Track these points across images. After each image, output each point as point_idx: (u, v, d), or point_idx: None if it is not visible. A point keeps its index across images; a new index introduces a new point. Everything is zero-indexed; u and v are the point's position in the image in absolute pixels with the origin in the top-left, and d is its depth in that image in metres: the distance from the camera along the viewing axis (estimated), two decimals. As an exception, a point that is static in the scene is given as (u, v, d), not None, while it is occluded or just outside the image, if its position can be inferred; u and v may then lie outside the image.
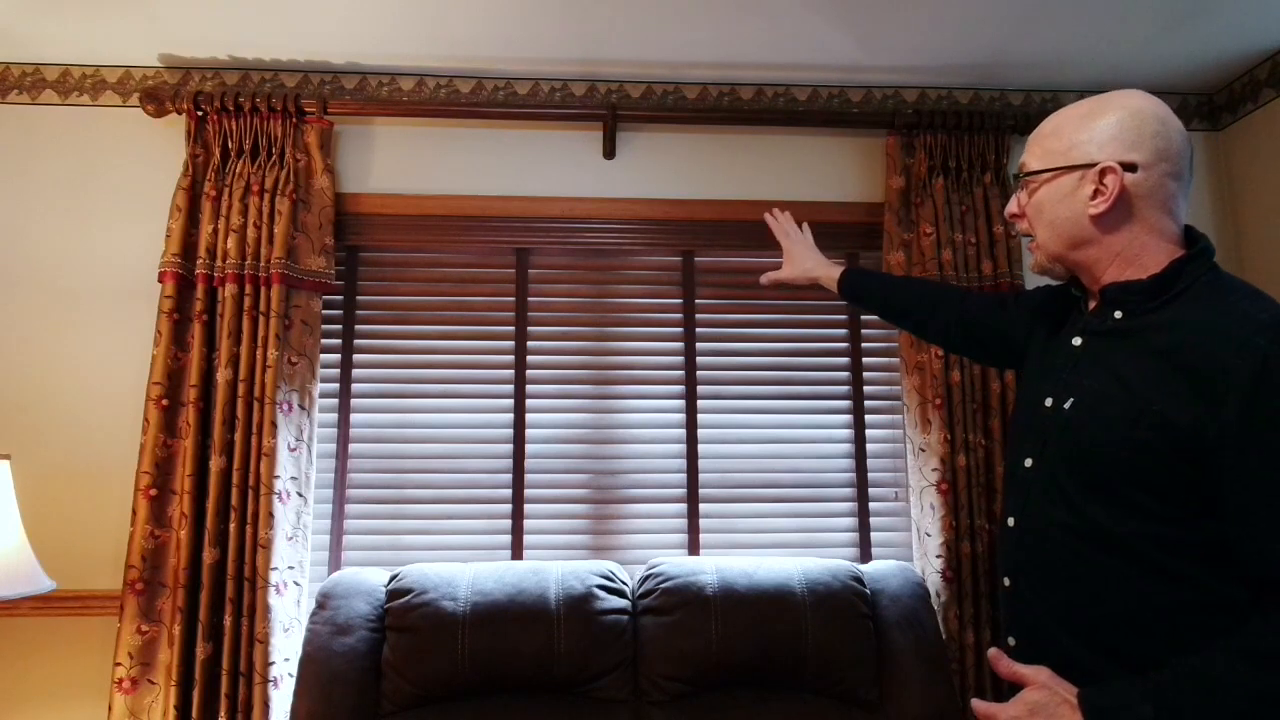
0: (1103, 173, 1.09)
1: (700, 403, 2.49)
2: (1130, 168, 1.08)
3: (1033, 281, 2.50)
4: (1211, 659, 0.95)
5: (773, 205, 2.51)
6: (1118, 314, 1.11)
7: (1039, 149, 1.17)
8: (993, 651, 1.10)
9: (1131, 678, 0.99)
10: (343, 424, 2.40)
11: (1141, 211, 1.09)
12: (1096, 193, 1.10)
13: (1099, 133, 1.11)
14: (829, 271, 1.72)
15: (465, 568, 2.13)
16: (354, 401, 2.42)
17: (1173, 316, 1.06)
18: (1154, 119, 1.10)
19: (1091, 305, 1.17)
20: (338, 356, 2.42)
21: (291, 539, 2.20)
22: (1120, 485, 1.03)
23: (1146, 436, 1.01)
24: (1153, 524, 1.01)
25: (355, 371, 2.43)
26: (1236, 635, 0.96)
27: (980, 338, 1.48)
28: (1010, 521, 1.18)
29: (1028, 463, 1.16)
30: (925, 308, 1.56)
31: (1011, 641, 1.16)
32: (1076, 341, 1.17)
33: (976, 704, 1.06)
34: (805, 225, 1.87)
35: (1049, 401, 1.16)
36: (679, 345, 2.51)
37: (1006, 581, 1.18)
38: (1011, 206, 1.22)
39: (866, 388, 2.52)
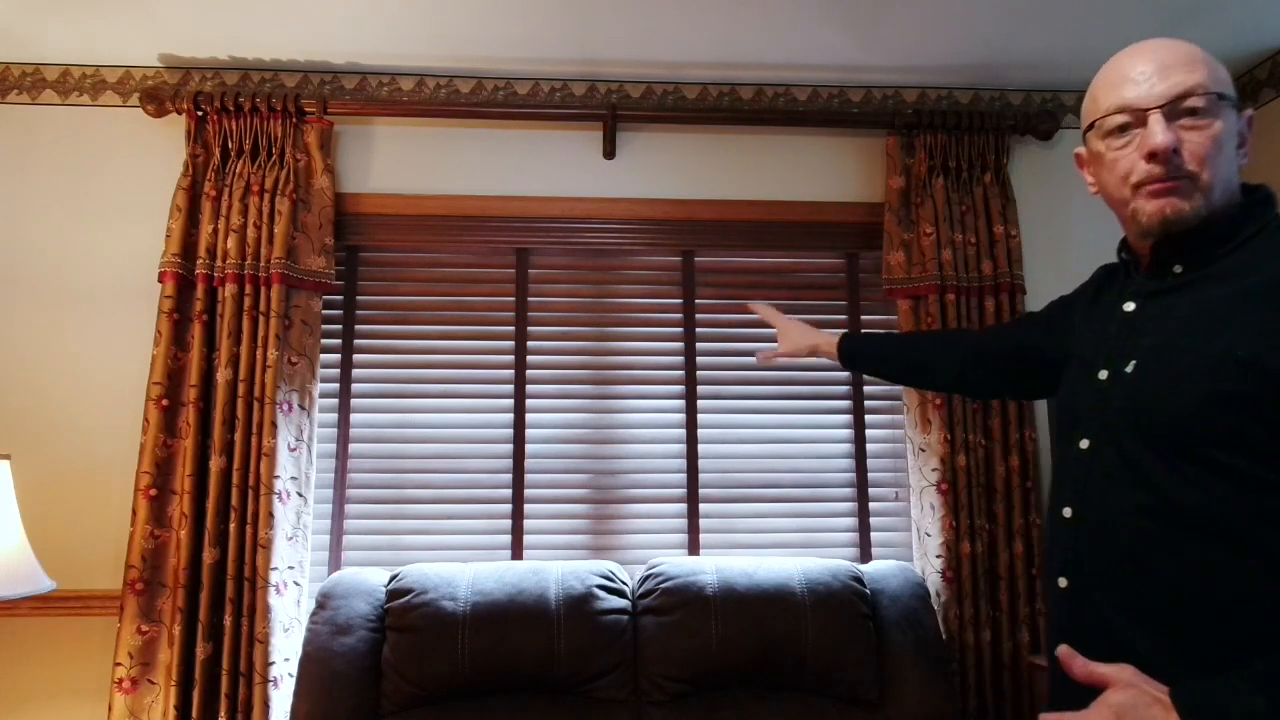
0: (1249, 120, 1.01)
1: (700, 403, 2.49)
2: None
3: (1033, 282, 2.50)
4: None
5: (773, 205, 2.52)
6: (1177, 268, 1.00)
7: (1206, 72, 0.98)
8: (1063, 649, 0.90)
9: (1230, 671, 0.83)
10: (343, 424, 2.40)
11: None
12: (1243, 140, 1.00)
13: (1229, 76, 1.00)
14: (827, 339, 1.67)
15: (465, 568, 2.13)
16: (354, 401, 2.42)
17: (1246, 260, 0.96)
18: None
19: (1143, 267, 1.05)
20: (338, 356, 2.42)
21: (291, 539, 2.20)
22: (1206, 449, 0.89)
23: (1231, 388, 0.88)
24: (1250, 494, 0.87)
25: (355, 371, 2.43)
26: None
27: (1002, 368, 1.37)
28: (1066, 513, 1.02)
29: (1084, 444, 1.02)
30: (933, 355, 1.47)
31: (1064, 647, 0.99)
32: (1129, 307, 1.05)
33: (1047, 718, 0.87)
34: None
35: (1104, 374, 1.02)
36: (679, 345, 2.51)
37: (1063, 582, 1.02)
38: (1170, 139, 0.96)
39: (866, 388, 2.52)
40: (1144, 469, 0.94)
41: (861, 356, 1.61)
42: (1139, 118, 0.99)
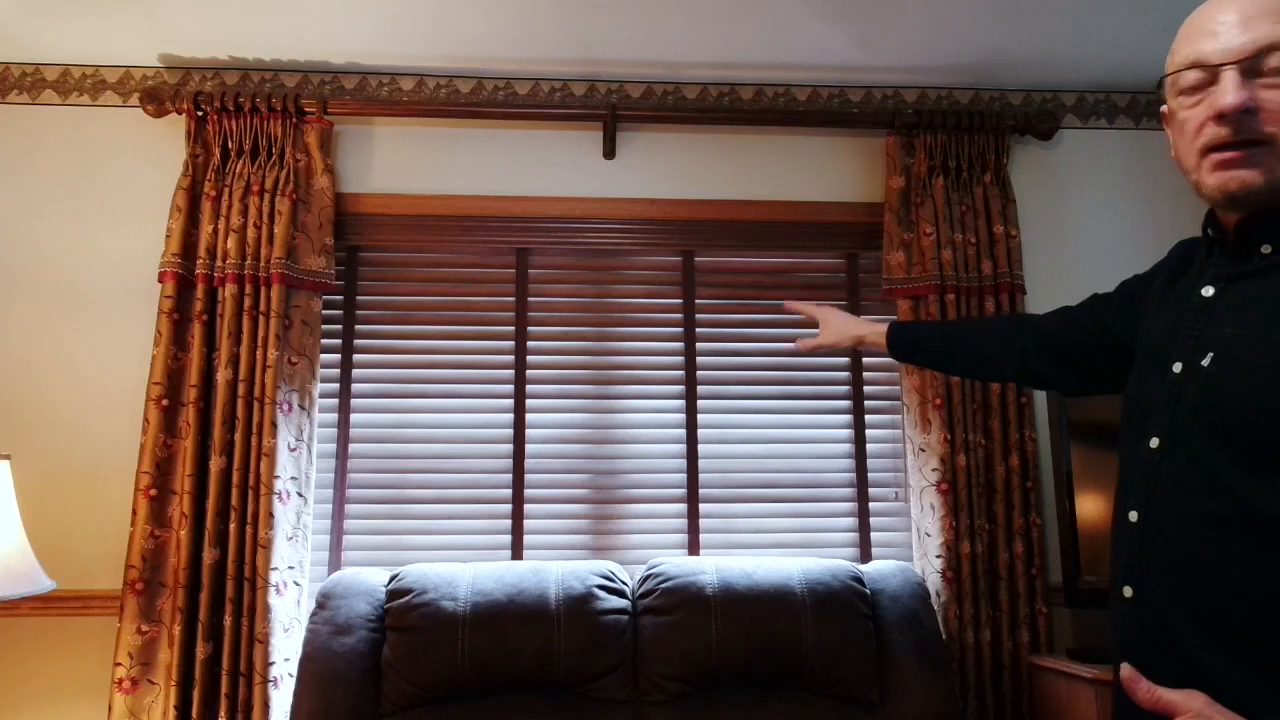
0: None
1: (700, 403, 2.49)
2: None
3: (1033, 282, 2.50)
4: None
5: (773, 205, 2.52)
6: (1265, 248, 0.89)
7: None
8: (1126, 671, 0.83)
9: None
10: (343, 424, 2.40)
11: None
12: None
13: None
14: (873, 329, 1.54)
15: (465, 568, 2.13)
16: (354, 401, 2.42)
17: None
18: None
19: (1227, 245, 0.95)
20: (338, 356, 2.42)
21: (291, 539, 2.20)
22: None
23: None
24: None
25: (355, 371, 2.43)
26: None
27: (1068, 353, 1.23)
28: (1132, 516, 0.93)
29: (1153, 443, 0.92)
30: (994, 345, 1.33)
31: (1127, 669, 0.90)
32: (1208, 291, 0.93)
33: None
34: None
35: (1178, 366, 0.92)
36: (679, 345, 2.51)
37: (1128, 591, 0.93)
38: (1245, 96, 0.85)
39: (866, 388, 2.52)
40: (1217, 473, 0.85)
41: (915, 348, 1.48)
42: (1213, 74, 0.88)
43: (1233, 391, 0.85)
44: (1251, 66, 0.86)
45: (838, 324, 1.63)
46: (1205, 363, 0.89)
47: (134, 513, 2.13)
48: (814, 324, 1.69)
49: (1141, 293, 1.10)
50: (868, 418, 2.51)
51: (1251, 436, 0.83)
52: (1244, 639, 0.82)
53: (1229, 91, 0.85)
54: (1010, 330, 1.33)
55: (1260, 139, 0.86)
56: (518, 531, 2.39)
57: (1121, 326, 1.13)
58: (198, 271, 2.25)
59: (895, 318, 1.55)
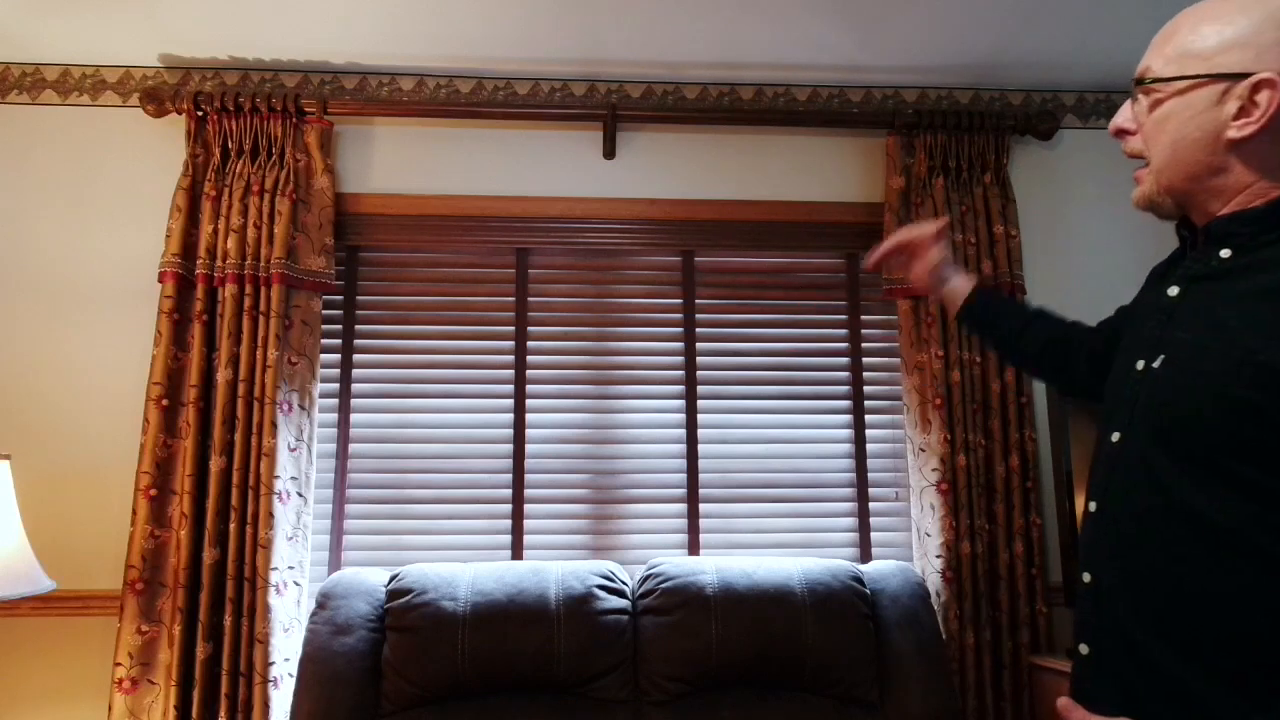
0: (1257, 87, 0.87)
1: (700, 403, 2.49)
2: None
3: (1033, 282, 2.50)
4: None
5: (773, 205, 2.52)
6: (1224, 252, 0.92)
7: (1171, 49, 0.93)
8: (1063, 701, 0.91)
9: None
10: (343, 424, 2.40)
11: None
12: (1243, 111, 0.88)
13: (1258, 35, 0.87)
14: (954, 290, 1.41)
15: (465, 568, 2.13)
16: (354, 401, 2.42)
17: None
18: None
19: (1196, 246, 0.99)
20: (338, 356, 2.42)
21: (291, 539, 2.20)
22: (1218, 457, 0.84)
23: (1247, 394, 0.82)
24: (1261, 506, 0.82)
25: (355, 371, 2.43)
26: None
27: (1098, 363, 1.23)
28: (1092, 506, 0.99)
29: (1115, 437, 0.97)
30: (1066, 352, 1.29)
31: (1084, 649, 0.98)
32: (1173, 291, 0.97)
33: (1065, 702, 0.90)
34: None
35: (1140, 364, 0.97)
36: (679, 345, 2.51)
37: (1086, 577, 0.98)
38: (1121, 119, 0.99)
39: (866, 388, 2.52)
40: (1157, 471, 0.90)
41: (989, 321, 1.37)
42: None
43: (1173, 394, 0.90)
44: (1139, 90, 0.96)
45: (930, 274, 1.43)
46: (1157, 364, 0.94)
47: (134, 513, 2.13)
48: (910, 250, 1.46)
49: (1144, 293, 1.12)
50: (868, 418, 2.51)
51: (1185, 439, 0.87)
52: (1180, 629, 0.86)
53: (1119, 111, 0.99)
54: (1078, 344, 1.29)
55: (1138, 155, 0.98)
56: (518, 531, 2.39)
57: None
58: (198, 271, 2.25)
59: (979, 290, 1.39)
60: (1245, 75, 0.87)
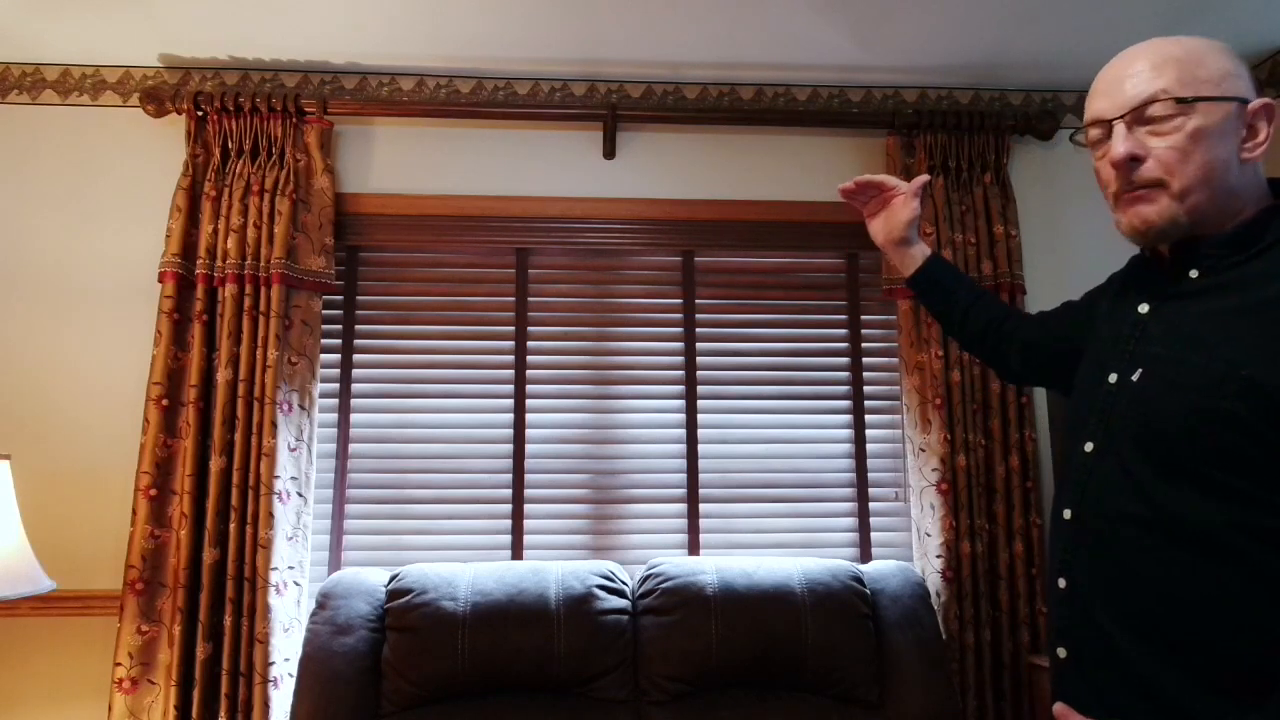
0: (1257, 113, 0.95)
1: (700, 403, 2.49)
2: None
3: (1033, 282, 2.50)
4: None
5: (773, 205, 2.52)
6: (1193, 273, 0.97)
7: (1175, 74, 0.96)
8: (1059, 708, 0.96)
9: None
10: (343, 424, 2.40)
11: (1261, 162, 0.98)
12: (1250, 134, 0.95)
13: (1237, 67, 0.96)
14: (910, 254, 1.45)
15: (465, 568, 2.13)
16: (354, 401, 2.42)
17: (1262, 269, 0.92)
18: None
19: (1162, 267, 1.03)
20: (338, 356, 2.42)
21: (291, 539, 2.20)
22: (1202, 466, 0.88)
23: (1229, 406, 0.86)
24: (1246, 511, 0.86)
25: (355, 371, 2.43)
26: None
27: (1040, 362, 1.30)
28: (1067, 514, 1.02)
29: (1088, 447, 1.01)
30: (990, 331, 1.37)
31: (1061, 653, 1.01)
32: (1143, 308, 1.02)
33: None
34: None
35: (1113, 378, 1.01)
36: (679, 345, 2.51)
37: (1061, 583, 1.01)
38: (1130, 146, 0.96)
39: (866, 388, 2.52)
40: (1140, 480, 0.93)
41: (938, 297, 1.43)
42: (1107, 129, 1.00)
43: (1155, 408, 0.94)
44: (1137, 118, 0.97)
45: (885, 224, 1.47)
46: (1135, 378, 0.97)
47: (134, 513, 2.13)
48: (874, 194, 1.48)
49: (1099, 302, 1.17)
50: (868, 418, 2.51)
51: (1169, 449, 0.91)
52: (1160, 630, 0.90)
53: (1117, 145, 0.97)
54: (1009, 328, 1.36)
55: (1151, 182, 0.97)
56: (518, 531, 2.39)
57: (1081, 334, 1.18)
58: (198, 271, 2.25)
59: (936, 255, 1.46)
60: (1245, 101, 0.95)
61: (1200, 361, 0.91)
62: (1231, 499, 0.87)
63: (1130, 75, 0.98)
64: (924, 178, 1.47)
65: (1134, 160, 0.97)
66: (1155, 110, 0.95)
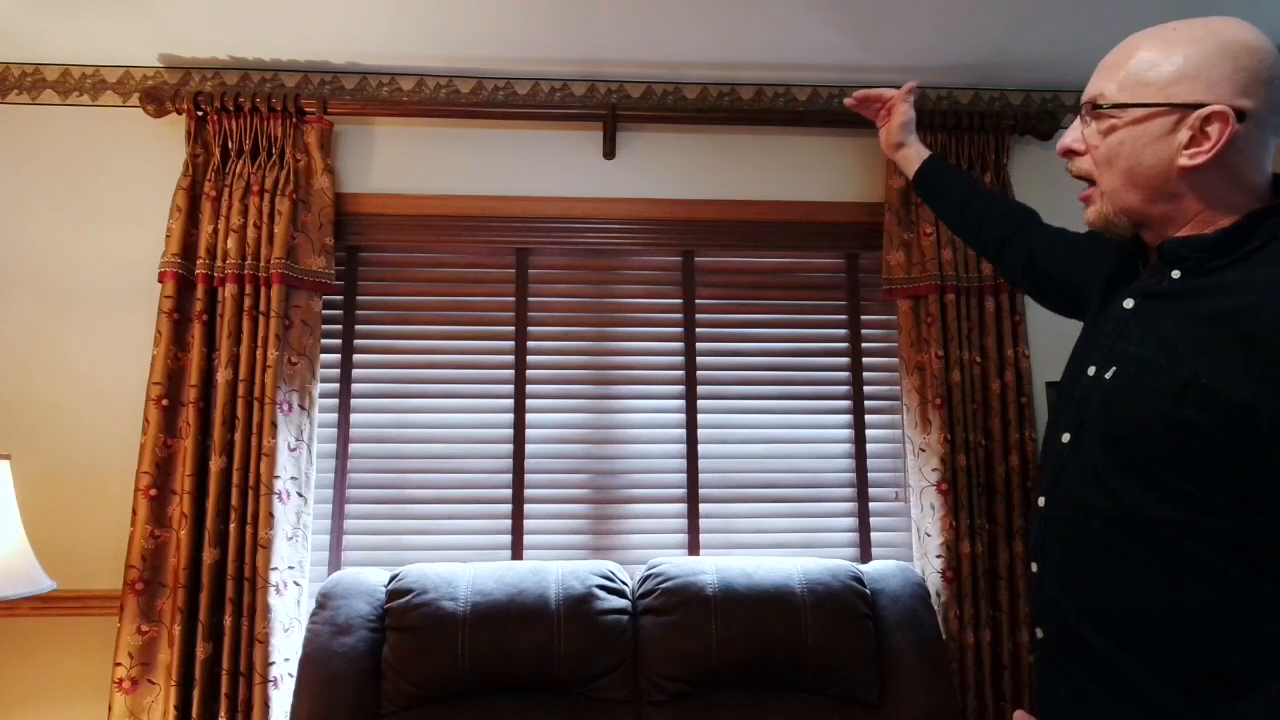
0: (1208, 119, 0.90)
1: (700, 403, 2.49)
2: (1240, 116, 0.89)
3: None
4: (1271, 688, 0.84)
5: (773, 205, 2.52)
6: (1175, 273, 0.96)
7: (1124, 75, 0.96)
8: (1019, 715, 1.02)
9: None
10: (343, 424, 2.40)
11: (1236, 165, 0.92)
12: (1194, 141, 0.91)
13: (1209, 68, 0.90)
14: (911, 153, 1.63)
15: (465, 568, 2.13)
16: (354, 401, 2.42)
17: (1240, 277, 0.90)
18: (1274, 60, 0.90)
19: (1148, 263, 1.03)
20: (338, 356, 2.42)
21: (291, 539, 2.20)
22: (1159, 469, 0.90)
23: (1189, 415, 0.87)
24: (1194, 514, 0.87)
25: (355, 371, 2.43)
26: None
27: (1044, 288, 1.34)
28: (1040, 501, 1.05)
29: (1064, 438, 1.02)
30: (1003, 229, 1.41)
31: (1039, 633, 1.04)
32: (1128, 304, 1.01)
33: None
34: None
35: (1091, 370, 1.02)
36: (679, 345, 2.51)
37: (1035, 567, 1.05)
38: (1070, 139, 1.02)
39: (866, 388, 2.52)
40: (1104, 476, 0.95)
41: (936, 196, 1.57)
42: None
43: (1121, 407, 0.95)
44: (1090, 113, 1.00)
45: (885, 131, 1.70)
46: (1109, 375, 0.98)
47: (134, 513, 2.13)
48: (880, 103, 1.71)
49: (1102, 259, 1.17)
50: (868, 418, 2.51)
51: (1132, 449, 0.93)
52: (1115, 618, 0.94)
53: (1065, 135, 1.02)
54: (1017, 235, 1.40)
55: (1083, 177, 1.02)
56: (518, 531, 2.39)
57: (1083, 277, 1.22)
58: (198, 271, 2.25)
59: (937, 157, 1.62)
60: (1197, 106, 0.91)
61: (1168, 366, 0.91)
62: (1187, 503, 0.88)
63: (1101, 66, 1.01)
64: (912, 84, 1.66)
65: (1070, 153, 1.03)
66: (1099, 112, 0.99)
